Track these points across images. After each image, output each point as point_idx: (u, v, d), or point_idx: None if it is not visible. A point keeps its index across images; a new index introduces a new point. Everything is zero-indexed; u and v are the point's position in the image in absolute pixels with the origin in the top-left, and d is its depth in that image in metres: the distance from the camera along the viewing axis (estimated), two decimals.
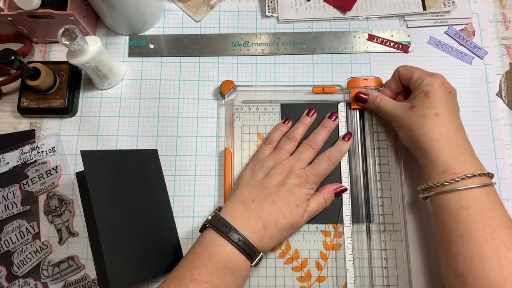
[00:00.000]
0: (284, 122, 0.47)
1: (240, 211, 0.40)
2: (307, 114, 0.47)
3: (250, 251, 0.38)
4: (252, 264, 0.39)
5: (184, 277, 0.36)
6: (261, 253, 0.39)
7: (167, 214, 0.46)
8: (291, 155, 0.44)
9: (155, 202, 0.46)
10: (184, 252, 0.45)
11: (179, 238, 0.46)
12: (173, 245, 0.45)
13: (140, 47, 0.53)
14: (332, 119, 0.47)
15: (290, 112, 0.48)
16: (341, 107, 0.48)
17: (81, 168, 0.48)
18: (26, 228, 0.46)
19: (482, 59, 0.52)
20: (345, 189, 0.46)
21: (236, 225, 0.38)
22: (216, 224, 0.39)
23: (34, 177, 0.47)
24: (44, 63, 0.48)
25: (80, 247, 0.46)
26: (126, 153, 0.46)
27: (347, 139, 0.46)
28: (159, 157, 0.48)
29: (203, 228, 0.40)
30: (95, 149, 0.48)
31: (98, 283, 0.45)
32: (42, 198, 0.47)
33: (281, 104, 0.49)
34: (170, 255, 0.44)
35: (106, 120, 0.50)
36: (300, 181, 0.42)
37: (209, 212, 0.47)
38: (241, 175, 0.44)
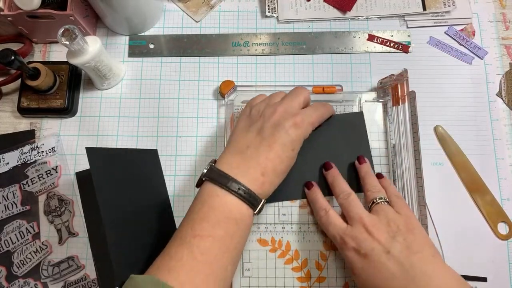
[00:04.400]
0: None
1: (236, 160, 0.38)
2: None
3: (251, 199, 0.37)
4: (255, 212, 0.38)
5: (186, 235, 0.35)
6: (263, 200, 0.38)
7: (167, 212, 0.47)
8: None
9: (156, 200, 0.46)
10: None
11: None
12: None
13: (140, 47, 0.53)
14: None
15: None
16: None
17: (81, 168, 0.48)
18: (26, 228, 0.46)
19: (482, 59, 0.52)
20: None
21: (235, 174, 0.37)
22: (213, 176, 0.37)
23: (34, 177, 0.47)
24: (44, 63, 0.48)
25: (80, 247, 0.46)
26: (129, 151, 0.46)
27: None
28: (160, 157, 0.48)
29: (199, 183, 0.39)
30: None
31: (98, 283, 0.45)
32: (42, 198, 0.47)
33: None
34: None
35: (106, 120, 0.50)
36: (296, 121, 0.39)
37: None
38: (236, 123, 0.43)
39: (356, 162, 0.46)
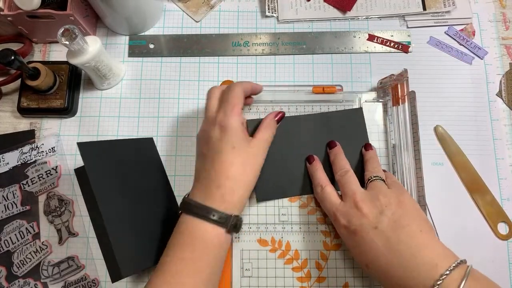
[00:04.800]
0: None
1: (197, 188, 0.39)
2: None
3: (215, 218, 0.37)
4: (227, 229, 0.38)
5: (161, 261, 0.37)
6: (232, 215, 0.38)
7: (169, 199, 0.47)
8: None
9: (156, 189, 0.46)
10: None
11: None
12: None
13: (140, 47, 0.53)
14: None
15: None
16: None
17: None
18: (26, 228, 0.46)
19: (482, 59, 0.52)
20: (283, 114, 0.45)
21: (197, 199, 0.38)
22: (182, 206, 0.39)
23: (34, 177, 0.47)
24: (44, 63, 0.48)
25: (80, 247, 0.46)
26: (122, 142, 0.46)
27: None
28: (160, 157, 0.48)
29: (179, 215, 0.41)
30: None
31: (109, 271, 0.45)
32: (42, 198, 0.47)
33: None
34: None
35: (106, 120, 0.50)
36: (219, 124, 0.39)
37: None
38: None
39: (363, 149, 0.46)
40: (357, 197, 0.39)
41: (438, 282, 0.32)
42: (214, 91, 0.43)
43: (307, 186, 0.46)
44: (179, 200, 0.47)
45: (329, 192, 0.42)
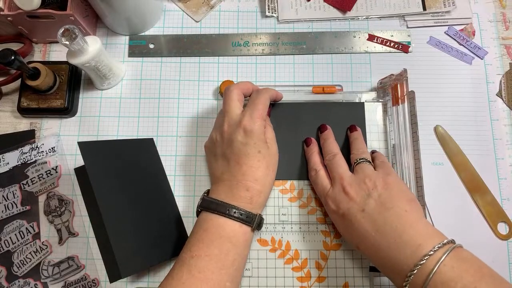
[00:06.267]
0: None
1: (221, 188, 0.41)
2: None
3: (243, 217, 0.39)
4: (253, 228, 0.39)
5: (185, 257, 0.37)
6: (257, 215, 0.40)
7: (169, 200, 0.47)
8: None
9: (156, 188, 0.46)
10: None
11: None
12: (178, 229, 0.46)
13: (140, 47, 0.53)
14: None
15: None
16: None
17: None
18: (26, 228, 0.46)
19: (482, 59, 0.52)
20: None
21: (223, 199, 0.39)
22: (205, 204, 0.40)
23: (34, 177, 0.47)
24: (44, 63, 0.48)
25: (80, 247, 0.46)
26: (123, 142, 0.46)
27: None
28: (160, 157, 0.48)
29: (198, 214, 0.42)
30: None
31: (107, 271, 0.45)
32: (42, 198, 0.47)
33: None
34: (175, 240, 0.45)
35: (106, 120, 0.50)
36: (244, 128, 0.40)
37: None
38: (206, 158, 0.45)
39: (348, 131, 0.47)
40: (344, 182, 0.40)
41: (421, 262, 0.33)
42: (232, 92, 0.43)
43: (305, 172, 0.47)
44: (178, 200, 0.47)
45: (322, 175, 0.43)
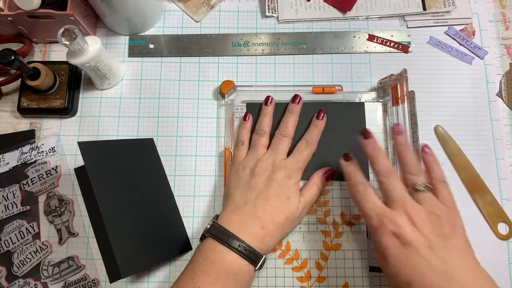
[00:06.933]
0: (244, 119, 0.47)
1: (236, 217, 0.40)
2: (265, 104, 0.48)
3: (251, 255, 0.38)
4: (256, 268, 0.39)
5: (187, 286, 0.36)
6: (264, 256, 0.39)
7: (169, 200, 0.47)
8: (268, 148, 0.45)
9: (156, 189, 0.46)
10: (191, 239, 0.46)
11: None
12: (178, 229, 0.46)
13: (140, 47, 0.53)
14: (296, 102, 0.47)
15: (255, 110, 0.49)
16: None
17: None
18: (26, 228, 0.46)
19: (482, 59, 0.52)
20: (334, 171, 0.45)
21: (234, 231, 0.38)
22: (215, 232, 0.39)
23: (34, 177, 0.47)
24: (44, 63, 0.48)
25: (80, 247, 0.46)
26: (123, 142, 0.46)
27: (321, 117, 0.47)
28: (160, 157, 0.48)
29: (202, 238, 0.40)
30: None
31: (107, 271, 0.45)
32: (42, 198, 0.47)
33: (246, 104, 0.49)
34: (175, 240, 0.45)
35: (106, 120, 0.50)
36: (286, 173, 0.42)
37: (209, 213, 0.47)
38: (228, 182, 0.44)
39: (392, 133, 0.42)
40: (409, 210, 0.36)
41: None
42: (283, 143, 0.45)
43: (306, 172, 0.45)
44: (178, 200, 0.47)
45: (372, 193, 0.38)
